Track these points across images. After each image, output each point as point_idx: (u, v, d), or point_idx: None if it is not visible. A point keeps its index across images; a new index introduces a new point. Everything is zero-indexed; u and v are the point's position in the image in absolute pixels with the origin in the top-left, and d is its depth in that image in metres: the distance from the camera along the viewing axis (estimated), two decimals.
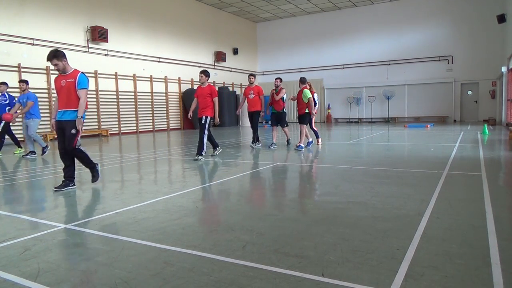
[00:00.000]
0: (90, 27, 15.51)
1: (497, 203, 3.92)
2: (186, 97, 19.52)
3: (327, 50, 24.91)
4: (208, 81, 8.05)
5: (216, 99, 7.84)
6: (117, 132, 16.82)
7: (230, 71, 24.33)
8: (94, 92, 15.82)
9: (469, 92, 21.57)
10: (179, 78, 20.12)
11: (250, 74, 9.95)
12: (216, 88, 8.16)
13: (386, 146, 9.85)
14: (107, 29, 15.90)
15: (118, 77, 16.78)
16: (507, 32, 17.31)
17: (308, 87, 9.28)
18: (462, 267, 2.38)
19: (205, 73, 7.89)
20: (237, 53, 24.71)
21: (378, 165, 6.52)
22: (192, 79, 20.90)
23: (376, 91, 23.54)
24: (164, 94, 19.27)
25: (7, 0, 12.94)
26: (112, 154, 9.43)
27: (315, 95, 9.71)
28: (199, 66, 21.44)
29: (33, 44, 13.61)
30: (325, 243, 2.85)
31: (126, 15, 17.23)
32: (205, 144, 7.67)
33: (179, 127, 20.37)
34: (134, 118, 17.72)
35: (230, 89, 23.76)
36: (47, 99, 14.13)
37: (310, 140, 9.56)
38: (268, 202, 4.27)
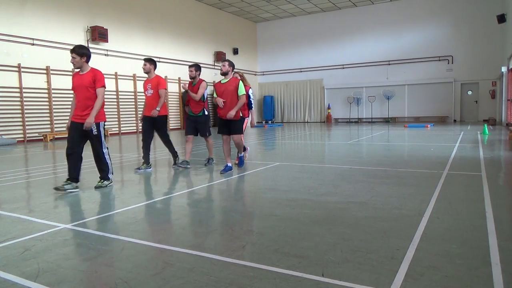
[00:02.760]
0: (90, 27, 15.51)
1: (497, 203, 3.91)
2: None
3: (327, 50, 24.91)
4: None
5: (102, 91, 5.00)
6: (117, 132, 16.82)
7: None
8: None
9: (469, 92, 21.57)
10: (179, 78, 20.12)
11: (144, 59, 6.76)
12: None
13: (386, 146, 9.85)
14: (107, 29, 15.90)
15: (118, 77, 16.78)
16: (507, 32, 17.31)
17: (240, 78, 6.49)
18: (462, 267, 2.38)
19: (77, 52, 4.92)
20: (237, 53, 24.70)
21: (378, 165, 6.51)
22: None
23: (376, 91, 23.54)
24: None
25: (7, 0, 12.94)
26: (112, 154, 9.40)
27: (250, 91, 6.89)
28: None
29: (33, 44, 13.61)
30: (325, 243, 2.85)
31: (126, 15, 17.23)
32: (108, 162, 5.30)
33: (179, 127, 20.37)
34: (134, 118, 17.72)
35: None
36: (47, 99, 14.12)
37: (242, 154, 6.74)
38: (268, 202, 4.26)
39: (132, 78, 17.46)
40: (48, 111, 14.15)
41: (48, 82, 14.09)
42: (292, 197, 4.39)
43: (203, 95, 6.74)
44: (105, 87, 5.12)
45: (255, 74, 27.37)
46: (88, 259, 2.68)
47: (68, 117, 5.33)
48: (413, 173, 5.72)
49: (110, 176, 5.30)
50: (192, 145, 6.99)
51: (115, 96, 16.69)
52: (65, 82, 14.70)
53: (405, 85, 22.78)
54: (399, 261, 2.46)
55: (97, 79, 5.01)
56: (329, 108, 25.01)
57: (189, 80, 6.95)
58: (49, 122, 14.24)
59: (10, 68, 13.05)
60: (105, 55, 16.24)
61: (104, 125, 5.25)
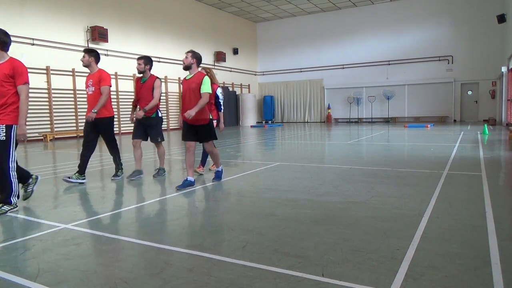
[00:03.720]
0: (90, 27, 15.51)
1: (497, 203, 3.91)
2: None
3: (327, 50, 24.91)
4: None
5: (25, 89, 3.97)
6: (117, 132, 16.81)
7: (230, 71, 24.33)
8: None
9: (469, 92, 21.57)
10: (179, 78, 20.11)
11: (84, 50, 5.57)
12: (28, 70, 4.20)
13: (386, 146, 9.85)
14: (107, 29, 15.90)
15: (118, 77, 16.78)
16: (507, 32, 17.31)
17: (205, 73, 5.23)
18: (462, 267, 2.38)
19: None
20: (237, 53, 24.71)
21: (378, 165, 6.51)
22: None
23: (376, 91, 23.55)
24: (164, 94, 19.27)
25: (7, 0, 12.94)
26: (109, 155, 9.39)
27: (219, 91, 6.02)
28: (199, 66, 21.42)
29: (33, 44, 13.61)
30: (325, 243, 2.85)
31: (126, 15, 17.23)
32: (13, 181, 3.94)
33: (179, 127, 20.35)
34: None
35: (230, 89, 23.83)
36: (47, 99, 14.12)
37: (220, 168, 5.59)
38: (268, 202, 4.27)
39: (132, 78, 17.45)
40: (48, 111, 14.15)
41: (48, 82, 14.09)
42: (292, 197, 4.39)
43: (153, 91, 5.72)
44: (28, 84, 4.03)
45: (255, 74, 27.36)
46: (88, 259, 2.68)
47: None
48: (413, 173, 5.72)
49: (12, 199, 3.96)
50: (141, 150, 6.11)
51: (115, 96, 16.68)
52: (65, 82, 14.71)
53: (405, 85, 22.79)
54: (399, 261, 2.46)
55: (17, 73, 3.94)
56: (329, 108, 25.01)
57: (138, 75, 5.89)
58: (49, 122, 14.24)
59: None
60: (105, 55, 16.22)
61: (16, 130, 3.95)
